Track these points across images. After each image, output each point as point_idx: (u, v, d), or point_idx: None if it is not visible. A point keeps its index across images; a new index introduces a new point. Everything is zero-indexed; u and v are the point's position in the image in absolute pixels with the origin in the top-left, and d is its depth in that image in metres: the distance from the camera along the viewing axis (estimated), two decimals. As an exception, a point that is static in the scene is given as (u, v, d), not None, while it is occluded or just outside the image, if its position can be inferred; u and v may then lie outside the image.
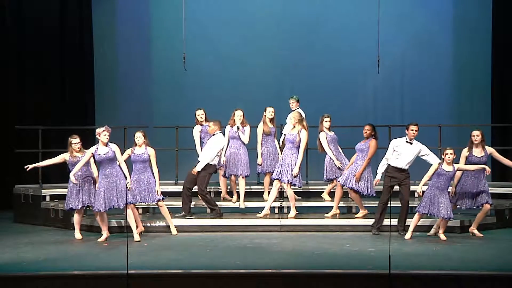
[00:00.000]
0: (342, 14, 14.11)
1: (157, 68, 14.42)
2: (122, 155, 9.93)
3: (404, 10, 14.07)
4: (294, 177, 10.45)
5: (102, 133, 9.74)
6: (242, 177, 11.02)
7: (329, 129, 10.95)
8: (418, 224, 9.92)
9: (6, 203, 12.43)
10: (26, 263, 8.28)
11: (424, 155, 10.05)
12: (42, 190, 11.55)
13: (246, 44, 14.13)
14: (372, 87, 14.22)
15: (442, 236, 9.70)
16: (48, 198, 11.50)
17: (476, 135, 9.90)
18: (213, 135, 10.65)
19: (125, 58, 14.36)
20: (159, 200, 10.12)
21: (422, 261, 8.28)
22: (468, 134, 10.19)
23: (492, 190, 11.39)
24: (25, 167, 10.12)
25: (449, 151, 9.64)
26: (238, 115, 11.00)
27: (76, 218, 10.07)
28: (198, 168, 10.54)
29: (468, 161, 9.92)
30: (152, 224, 10.47)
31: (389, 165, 10.04)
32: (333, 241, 9.64)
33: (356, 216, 10.64)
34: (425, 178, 9.75)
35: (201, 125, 11.23)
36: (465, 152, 9.96)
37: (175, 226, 10.30)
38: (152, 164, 10.07)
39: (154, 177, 10.07)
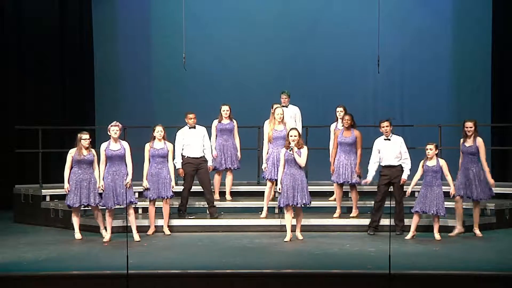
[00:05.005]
0: (342, 14, 14.09)
1: (157, 68, 14.39)
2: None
3: (404, 10, 14.05)
4: None
5: (111, 128, 9.76)
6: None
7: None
8: (419, 224, 9.91)
9: (6, 203, 12.40)
10: (26, 263, 8.29)
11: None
12: (42, 190, 11.54)
13: (246, 44, 14.11)
14: (372, 87, 14.20)
15: (437, 236, 9.67)
16: (48, 198, 11.48)
17: (470, 126, 9.94)
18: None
19: (125, 58, 14.33)
20: (167, 197, 10.10)
21: (422, 261, 8.28)
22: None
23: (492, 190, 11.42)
24: (65, 189, 9.84)
25: (429, 146, 9.71)
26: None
27: (74, 219, 10.04)
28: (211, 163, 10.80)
29: (461, 150, 9.99)
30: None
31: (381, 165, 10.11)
32: (333, 241, 9.64)
33: (350, 216, 10.63)
34: (416, 177, 9.82)
35: (220, 121, 11.08)
36: (461, 141, 10.03)
37: (176, 226, 10.31)
38: (168, 158, 10.10)
39: (170, 173, 10.10)
